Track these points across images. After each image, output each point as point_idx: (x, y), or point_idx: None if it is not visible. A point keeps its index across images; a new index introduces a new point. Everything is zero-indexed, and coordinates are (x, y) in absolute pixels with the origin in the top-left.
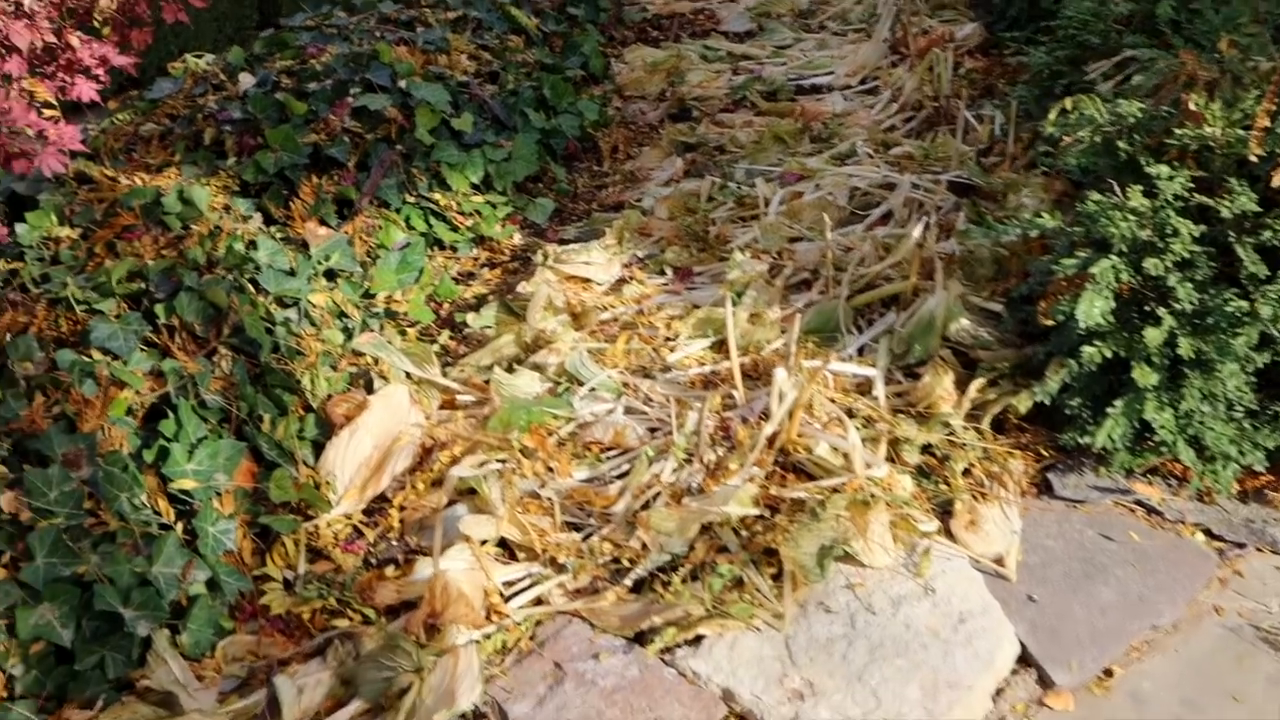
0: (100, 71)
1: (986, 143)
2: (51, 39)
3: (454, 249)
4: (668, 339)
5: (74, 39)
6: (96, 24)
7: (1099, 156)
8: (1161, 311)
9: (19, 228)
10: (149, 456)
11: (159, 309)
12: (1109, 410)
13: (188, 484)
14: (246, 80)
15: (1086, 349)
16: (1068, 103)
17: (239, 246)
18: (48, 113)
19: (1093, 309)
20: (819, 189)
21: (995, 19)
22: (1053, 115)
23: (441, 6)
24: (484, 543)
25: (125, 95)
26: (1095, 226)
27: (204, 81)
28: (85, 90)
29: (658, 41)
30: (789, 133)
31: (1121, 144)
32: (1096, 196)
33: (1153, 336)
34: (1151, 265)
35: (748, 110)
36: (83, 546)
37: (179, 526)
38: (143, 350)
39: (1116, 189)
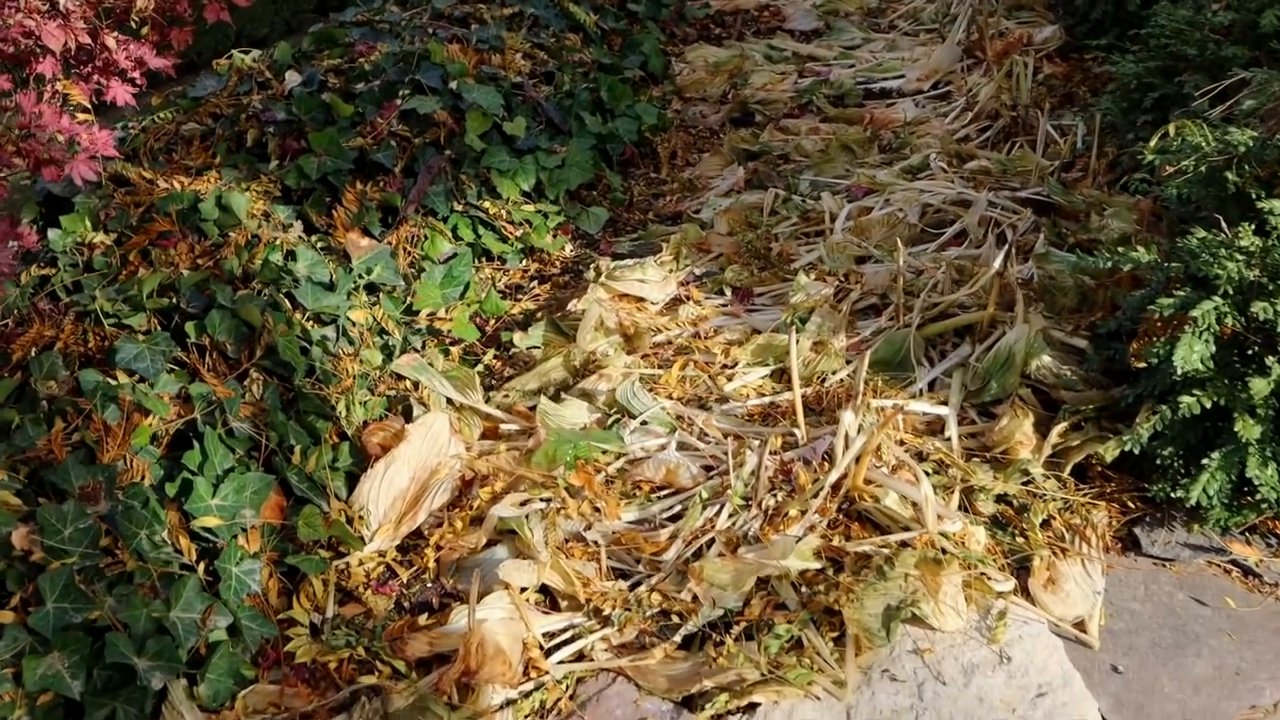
0: (136, 74)
1: (1068, 157)
2: (86, 40)
3: (502, 260)
4: (725, 366)
5: (110, 40)
6: (134, 24)
7: (1203, 187)
8: (1270, 359)
9: (51, 233)
10: (171, 490)
11: (189, 327)
12: (1205, 463)
13: (211, 521)
14: (293, 79)
15: (1185, 399)
16: (1171, 128)
17: (277, 258)
18: (81, 116)
19: (1191, 354)
20: (889, 204)
21: (1077, 21)
22: (1153, 142)
23: (497, 3)
24: (524, 590)
25: (170, 90)
26: (1197, 264)
27: (249, 79)
28: (121, 93)
29: (720, 40)
30: (857, 141)
31: (1230, 175)
32: (1201, 233)
33: (1258, 387)
34: (1260, 309)
35: (813, 115)
36: (97, 589)
37: (200, 566)
38: (170, 372)
39: (1224, 225)
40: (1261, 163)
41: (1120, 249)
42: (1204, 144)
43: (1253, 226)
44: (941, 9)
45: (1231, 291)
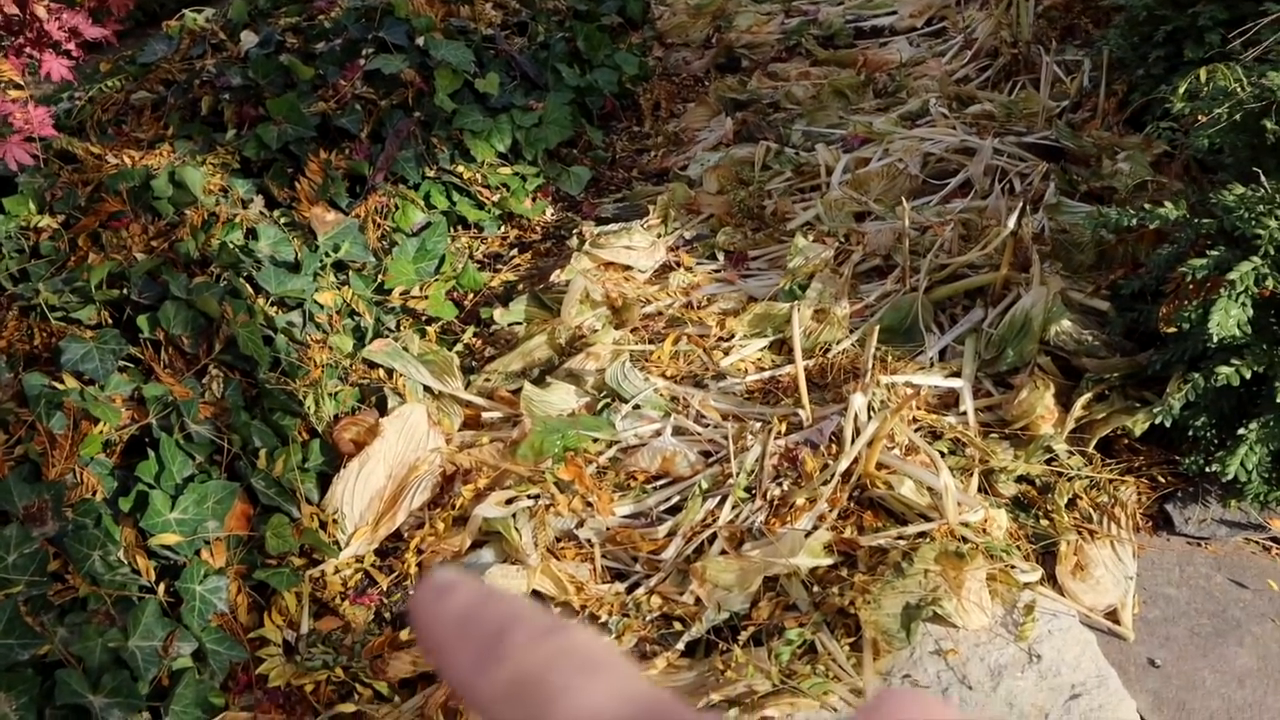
0: (71, 46)
1: (1075, 97)
2: (14, 10)
3: (479, 228)
4: (721, 339)
5: (40, 9)
6: None
7: (1237, 135)
8: None
9: None
10: (126, 505)
11: (142, 320)
12: (1242, 434)
13: (170, 539)
14: (249, 39)
15: (1223, 369)
16: (1201, 74)
17: (236, 237)
18: (14, 94)
19: (1228, 319)
20: (887, 155)
21: None
22: (1181, 88)
23: None
24: None
25: (120, 55)
26: (1232, 220)
27: (202, 41)
28: (56, 67)
29: None
30: (850, 86)
31: (1269, 123)
32: (1239, 189)
33: None
34: None
35: (803, 59)
36: (46, 621)
37: (161, 587)
38: (122, 371)
39: (1262, 179)
40: None
41: (1147, 206)
42: (1239, 89)
43: None
44: None
45: (1273, 251)
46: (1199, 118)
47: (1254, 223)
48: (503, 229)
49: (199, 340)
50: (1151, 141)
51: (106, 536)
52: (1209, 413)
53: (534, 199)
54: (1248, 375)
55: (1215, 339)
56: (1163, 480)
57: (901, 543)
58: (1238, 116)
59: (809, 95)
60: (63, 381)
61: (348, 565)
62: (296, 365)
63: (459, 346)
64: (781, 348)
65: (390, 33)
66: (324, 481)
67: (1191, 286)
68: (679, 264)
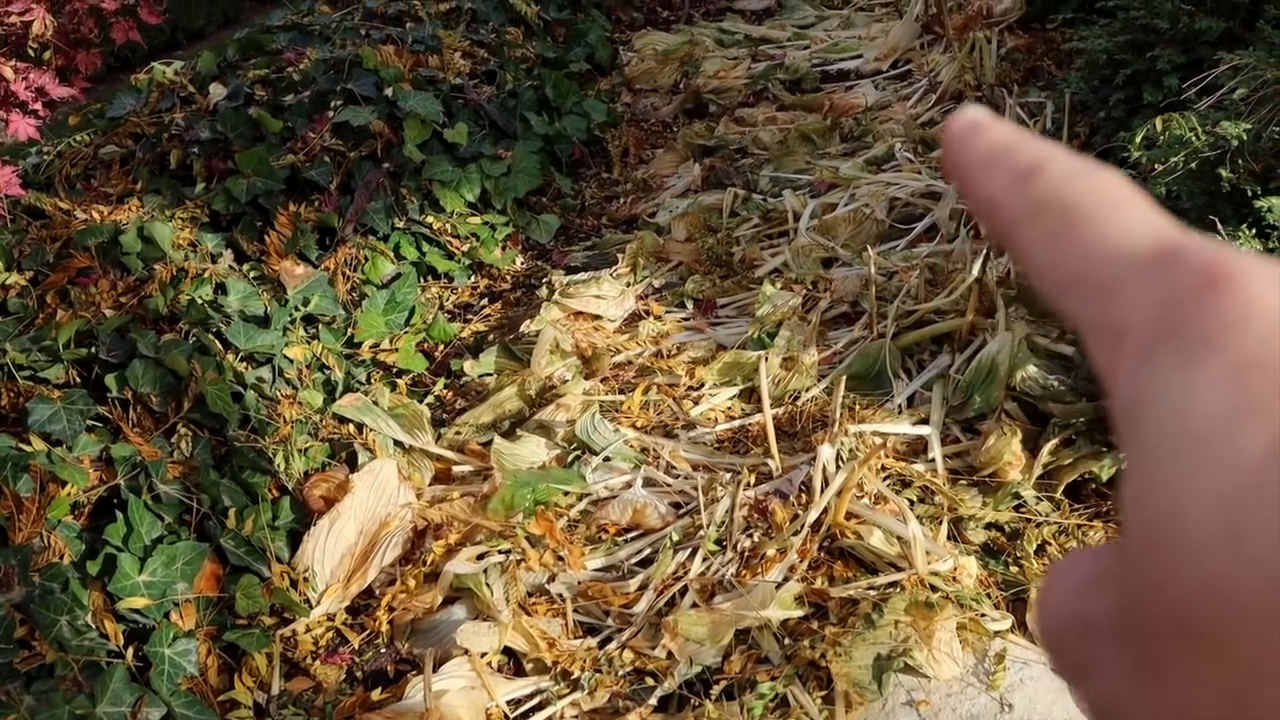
0: (38, 106)
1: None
2: None
3: (449, 278)
4: (690, 388)
5: (7, 70)
6: (31, 51)
7: (1194, 183)
8: None
9: None
10: (93, 568)
11: (110, 379)
12: None
13: (139, 602)
14: (218, 92)
15: None
16: (1157, 122)
17: (205, 292)
18: None
19: None
20: (854, 199)
21: None
22: (1138, 137)
23: None
24: (484, 655)
25: (89, 108)
26: None
27: (171, 94)
28: (23, 127)
29: (669, 23)
30: (817, 131)
31: (1224, 171)
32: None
33: None
34: None
35: (770, 103)
36: (12, 689)
37: (129, 652)
38: (90, 430)
39: (1219, 225)
40: (1256, 156)
41: None
42: (1194, 138)
43: (1252, 229)
44: None
45: None
46: (1156, 166)
47: None
48: (473, 279)
49: (167, 398)
50: None
51: (74, 601)
52: None
53: (504, 248)
54: None
55: None
56: None
57: (872, 593)
58: (1194, 165)
59: (776, 140)
60: (29, 443)
61: (319, 624)
62: (266, 422)
63: (429, 399)
64: (751, 396)
65: (359, 84)
66: (294, 539)
67: None
68: (648, 313)
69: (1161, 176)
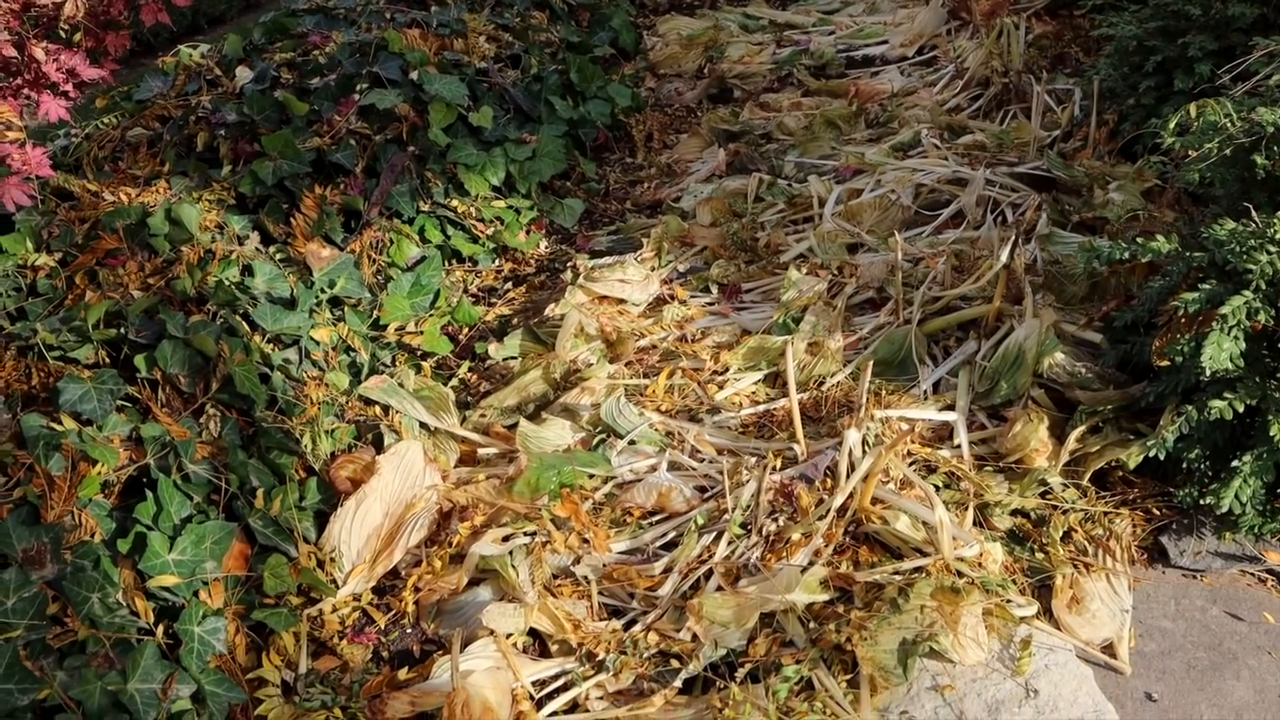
0: (69, 87)
1: (1066, 126)
2: (13, 52)
3: (474, 261)
4: (715, 372)
5: (39, 50)
6: (63, 32)
7: (1228, 169)
8: None
9: None
10: (124, 546)
11: (139, 360)
12: (1236, 465)
13: (169, 580)
14: (244, 75)
15: (1216, 403)
16: (1191, 108)
17: (232, 274)
18: (12, 135)
19: (1221, 352)
20: (880, 185)
21: None
22: (1172, 123)
23: None
24: (509, 635)
25: (117, 89)
26: (1223, 253)
27: (197, 77)
28: (54, 108)
29: (693, 9)
30: (842, 116)
31: (1259, 158)
32: (1231, 224)
33: None
34: None
35: (795, 89)
36: (45, 665)
37: (160, 629)
38: (120, 410)
39: (1253, 213)
40: None
41: (1139, 240)
42: (1229, 124)
43: None
44: None
45: (1265, 286)
46: (1190, 153)
47: (1245, 257)
48: (497, 262)
49: (196, 379)
50: (1143, 172)
51: (105, 579)
52: (1202, 445)
53: (528, 232)
54: (1241, 409)
55: (1208, 372)
56: (1157, 512)
57: (897, 578)
58: (1228, 151)
59: (801, 126)
60: (60, 422)
61: (345, 604)
62: (293, 403)
63: (454, 382)
64: (776, 381)
65: (384, 68)
66: (321, 520)
67: (1184, 320)
68: (673, 297)
69: (1195, 163)
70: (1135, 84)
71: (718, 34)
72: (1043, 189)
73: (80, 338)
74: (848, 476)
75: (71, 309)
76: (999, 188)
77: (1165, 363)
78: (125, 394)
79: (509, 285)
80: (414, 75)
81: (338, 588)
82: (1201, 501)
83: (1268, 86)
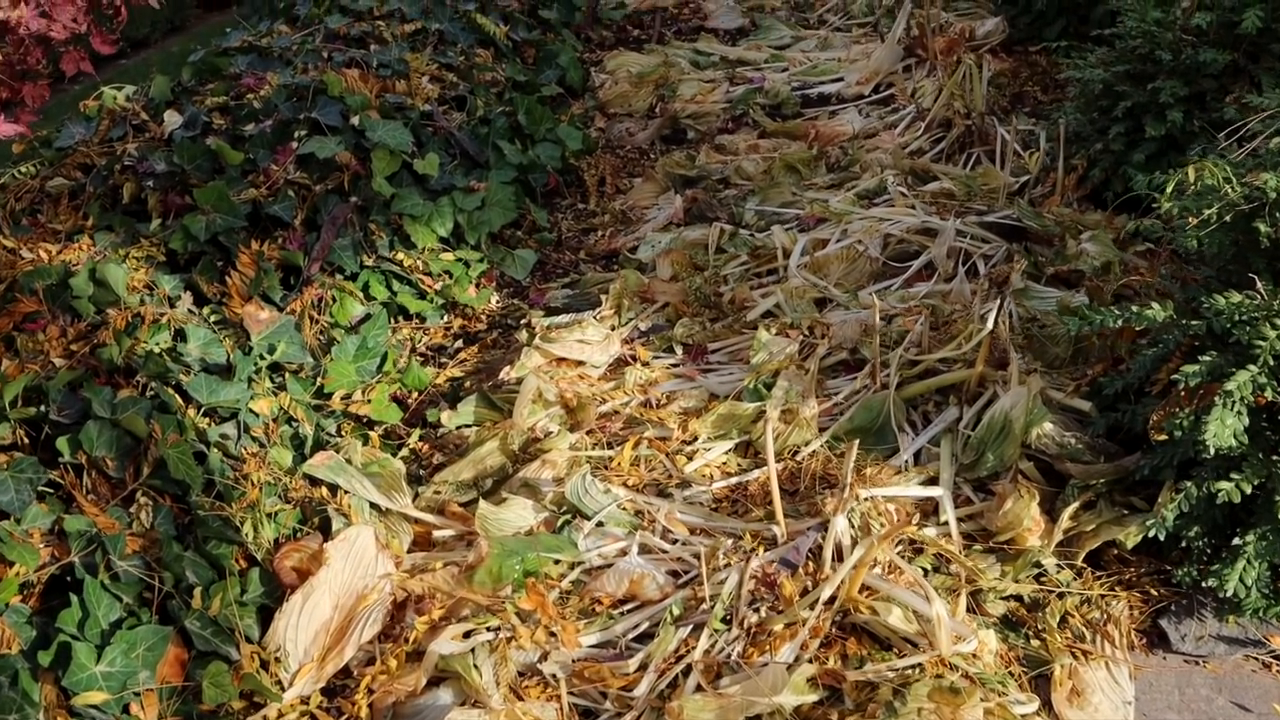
0: None
1: (1035, 173)
2: None
3: (421, 318)
4: (684, 442)
5: None
6: None
7: (1225, 234)
8: None
9: None
10: (45, 659)
11: (62, 442)
12: (1239, 545)
13: (95, 697)
14: (173, 120)
15: (1223, 484)
16: (1190, 172)
17: (164, 339)
18: None
19: (1224, 429)
20: (846, 235)
21: (1019, 12)
22: (1169, 188)
23: (397, 18)
24: None
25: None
26: (1223, 323)
27: (123, 122)
28: None
29: (641, 43)
30: (802, 160)
31: (1262, 226)
32: (1236, 296)
33: None
34: None
35: (751, 130)
36: None
37: None
38: (41, 499)
39: (1258, 284)
40: None
41: (1134, 308)
42: (1229, 189)
43: None
44: (873, 1)
45: (1272, 360)
46: (1190, 219)
47: (1252, 331)
48: (446, 319)
49: (125, 463)
50: (1113, 219)
51: (24, 698)
52: (1201, 522)
53: (478, 286)
54: (1248, 490)
55: (1212, 451)
56: (1155, 593)
57: (891, 675)
58: (1228, 217)
59: (760, 170)
60: None
61: (291, 709)
62: (232, 486)
63: (405, 452)
64: (748, 450)
65: (324, 113)
66: (265, 615)
67: (1183, 394)
68: (635, 358)
69: (1194, 230)
70: (1104, 128)
71: (668, 71)
72: (1013, 239)
73: None
74: (834, 563)
75: None
76: (969, 238)
77: (1163, 437)
78: (46, 481)
79: (459, 343)
80: (355, 121)
81: (284, 690)
82: (1203, 583)
83: (1269, 149)
